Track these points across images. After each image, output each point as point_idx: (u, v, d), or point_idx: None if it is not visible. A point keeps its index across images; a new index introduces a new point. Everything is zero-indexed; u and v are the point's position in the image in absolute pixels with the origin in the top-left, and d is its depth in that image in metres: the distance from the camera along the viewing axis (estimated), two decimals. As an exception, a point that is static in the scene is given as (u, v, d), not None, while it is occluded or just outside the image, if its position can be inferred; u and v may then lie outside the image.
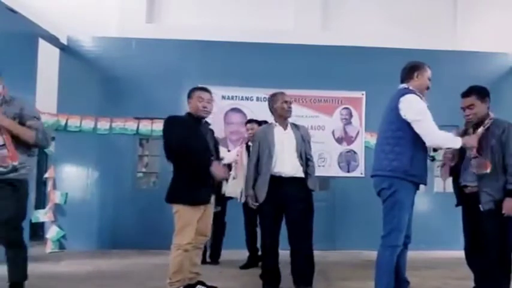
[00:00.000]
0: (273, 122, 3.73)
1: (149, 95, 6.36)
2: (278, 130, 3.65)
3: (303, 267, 3.57)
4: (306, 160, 3.65)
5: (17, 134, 3.04)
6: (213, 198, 3.47)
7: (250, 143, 4.96)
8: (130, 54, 6.56)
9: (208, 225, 3.50)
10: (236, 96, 6.11)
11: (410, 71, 3.07)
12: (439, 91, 6.61)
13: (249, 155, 4.80)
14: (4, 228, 3.06)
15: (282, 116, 3.67)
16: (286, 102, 3.65)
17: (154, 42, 6.57)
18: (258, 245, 4.91)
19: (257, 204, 3.60)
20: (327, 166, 5.27)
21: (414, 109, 2.87)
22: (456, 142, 2.92)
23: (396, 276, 2.96)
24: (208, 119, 3.66)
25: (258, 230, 4.93)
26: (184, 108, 6.09)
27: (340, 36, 6.74)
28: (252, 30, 6.68)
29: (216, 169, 3.32)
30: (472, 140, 3.02)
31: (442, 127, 7.57)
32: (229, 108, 5.81)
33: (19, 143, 3.08)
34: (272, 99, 3.73)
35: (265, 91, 6.29)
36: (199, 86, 3.60)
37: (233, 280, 4.15)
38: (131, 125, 6.33)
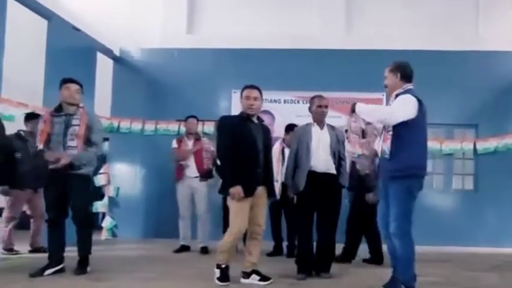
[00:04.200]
0: (311, 121, 3.85)
1: (189, 99, 6.61)
2: (315, 129, 3.79)
3: (325, 256, 3.75)
4: (338, 159, 3.80)
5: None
6: (262, 189, 3.48)
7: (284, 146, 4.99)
8: (172, 63, 6.92)
9: (259, 215, 3.49)
10: (265, 99, 6.23)
11: None
12: (462, 91, 6.51)
13: (283, 157, 4.86)
14: (79, 212, 3.63)
15: (316, 118, 3.81)
16: (320, 106, 3.78)
17: (194, 52, 6.88)
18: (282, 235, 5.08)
19: (293, 196, 3.76)
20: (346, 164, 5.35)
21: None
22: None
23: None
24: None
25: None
26: (220, 110, 6.34)
27: (364, 40, 6.76)
28: (281, 37, 6.83)
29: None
30: None
31: (462, 126, 7.35)
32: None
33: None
34: (310, 102, 3.87)
35: (292, 94, 6.46)
36: (249, 84, 3.56)
37: (269, 265, 4.03)
38: (173, 127, 6.67)
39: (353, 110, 3.18)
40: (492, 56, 6.56)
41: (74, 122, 3.59)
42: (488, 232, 6.20)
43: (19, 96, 4.99)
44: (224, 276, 3.36)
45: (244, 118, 3.49)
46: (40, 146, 3.55)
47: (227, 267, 3.39)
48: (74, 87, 3.65)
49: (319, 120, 3.81)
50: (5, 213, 4.79)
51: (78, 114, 3.63)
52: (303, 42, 6.68)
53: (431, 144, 6.42)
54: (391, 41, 6.51)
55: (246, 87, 3.53)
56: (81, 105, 3.69)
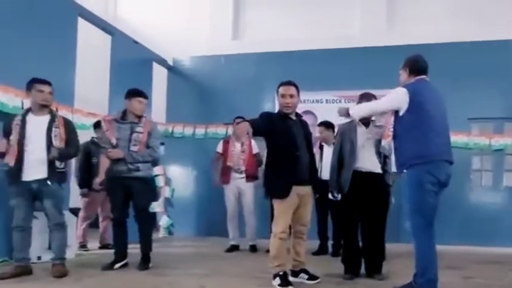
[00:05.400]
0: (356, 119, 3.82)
1: (235, 103, 6.75)
2: (361, 128, 3.72)
3: (375, 257, 3.68)
4: (384, 157, 3.70)
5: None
6: (307, 188, 3.40)
7: (323, 143, 5.12)
8: (220, 69, 7.19)
9: (305, 215, 3.43)
10: (308, 100, 6.37)
11: None
12: (504, 83, 6.12)
13: (321, 154, 4.95)
14: (141, 212, 3.97)
15: (362, 119, 3.70)
16: None
17: (239, 57, 7.09)
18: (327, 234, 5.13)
19: (338, 197, 3.72)
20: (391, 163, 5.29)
21: None
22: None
23: None
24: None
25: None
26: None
27: (405, 35, 6.53)
28: (322, 38, 6.84)
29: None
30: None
31: (503, 120, 6.86)
32: (302, 111, 6.04)
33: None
34: (359, 101, 3.73)
35: (334, 93, 6.48)
36: (285, 80, 3.41)
37: (315, 264, 3.95)
38: (221, 130, 6.94)
39: (348, 115, 3.25)
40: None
41: (138, 129, 3.95)
42: (543, 231, 5.84)
43: (88, 107, 5.45)
44: (285, 282, 3.24)
45: (282, 116, 3.39)
46: (114, 141, 3.87)
47: (285, 273, 3.30)
48: (145, 101, 4.04)
49: (365, 121, 3.72)
50: (81, 213, 5.28)
51: (142, 122, 3.99)
52: (345, 42, 6.65)
53: (479, 140, 6.21)
54: (434, 35, 6.29)
55: (282, 84, 3.37)
56: (144, 114, 4.06)
